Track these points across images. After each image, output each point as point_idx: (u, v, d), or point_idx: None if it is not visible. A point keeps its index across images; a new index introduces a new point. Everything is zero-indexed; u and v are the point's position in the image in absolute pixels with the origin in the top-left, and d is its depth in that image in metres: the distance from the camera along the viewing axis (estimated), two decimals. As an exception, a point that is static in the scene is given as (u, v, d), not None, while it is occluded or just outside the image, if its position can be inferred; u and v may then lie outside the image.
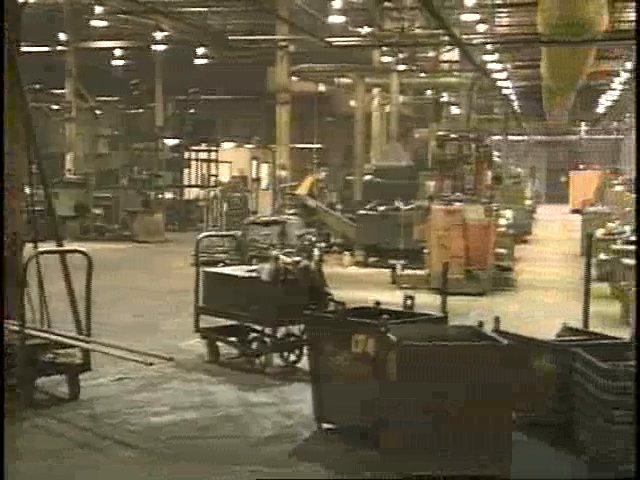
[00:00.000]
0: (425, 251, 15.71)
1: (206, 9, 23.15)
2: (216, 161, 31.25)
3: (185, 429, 6.85)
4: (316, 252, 10.74)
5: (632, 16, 21.50)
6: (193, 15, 22.95)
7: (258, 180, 33.28)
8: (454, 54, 25.83)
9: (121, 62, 30.45)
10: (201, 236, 11.08)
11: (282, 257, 8.99)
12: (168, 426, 6.91)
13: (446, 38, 18.74)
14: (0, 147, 7.34)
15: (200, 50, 27.11)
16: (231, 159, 32.36)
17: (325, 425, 6.84)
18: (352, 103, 27.54)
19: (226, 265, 12.99)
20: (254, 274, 8.98)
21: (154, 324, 11.20)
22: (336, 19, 20.65)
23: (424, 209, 16.37)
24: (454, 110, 34.04)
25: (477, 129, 21.78)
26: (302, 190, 22.83)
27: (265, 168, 34.39)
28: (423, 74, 27.92)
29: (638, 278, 5.06)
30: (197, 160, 30.99)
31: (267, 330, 8.87)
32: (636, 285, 5.17)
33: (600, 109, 40.96)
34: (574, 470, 6.10)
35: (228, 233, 16.47)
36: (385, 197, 19.03)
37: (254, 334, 9.11)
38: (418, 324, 6.74)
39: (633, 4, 19.94)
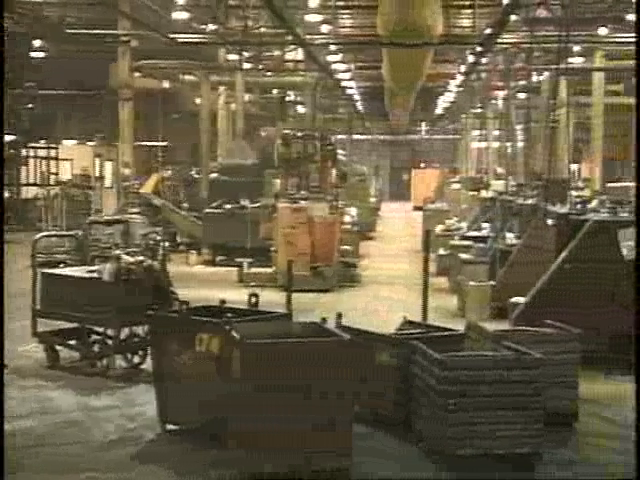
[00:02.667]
0: (272, 249, 15.81)
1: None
2: (56, 159, 30.20)
3: (23, 439, 6.56)
4: (160, 251, 10.56)
5: (465, 22, 22.52)
6: (27, 5, 21.98)
7: (101, 178, 32.37)
8: (299, 54, 26.11)
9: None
10: (39, 236, 10.68)
11: (125, 257, 8.79)
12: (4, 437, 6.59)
13: (290, 38, 18.89)
14: (0, 146, 6.72)
15: (37, 42, 25.99)
16: (73, 157, 31.32)
17: (169, 426, 6.76)
18: (198, 101, 27.31)
19: (67, 266, 12.54)
20: (95, 274, 8.73)
21: (-12, 330, 10.65)
22: (180, 15, 20.40)
23: (270, 207, 16.48)
24: (300, 109, 34.43)
25: (322, 128, 22.15)
26: (147, 188, 22.40)
27: (109, 166, 33.49)
28: (269, 73, 28.05)
29: (638, 278, 5.19)
30: (35, 157, 29.87)
31: (109, 332, 8.66)
32: (636, 285, 5.33)
33: (439, 110, 42.58)
34: (412, 459, 6.32)
35: (68, 233, 15.92)
36: (231, 195, 18.98)
37: (96, 336, 8.87)
38: (263, 322, 6.77)
39: (466, 11, 20.91)
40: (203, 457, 6.12)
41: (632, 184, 16.68)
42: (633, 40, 18.29)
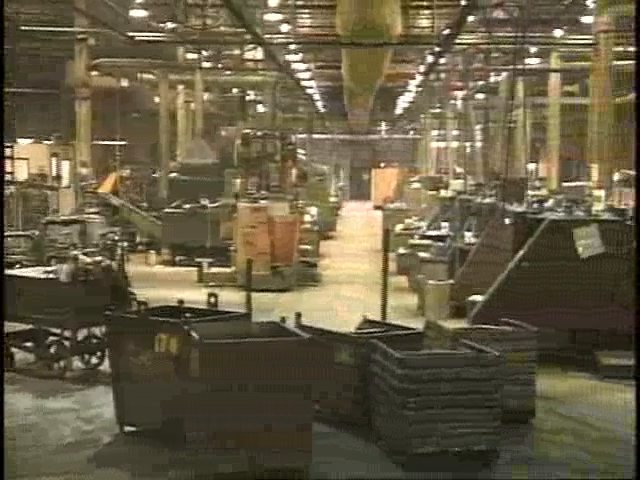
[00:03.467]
0: (232, 249, 15.75)
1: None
2: (11, 158, 29.73)
3: (-24, 443, 6.45)
4: (118, 251, 10.46)
5: (424, 22, 22.65)
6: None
7: (59, 178, 31.94)
8: (259, 53, 26.03)
9: None
10: (-8, 237, 10.47)
11: (82, 257, 8.70)
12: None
13: (249, 37, 18.81)
14: (0, 147, 6.53)
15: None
16: (28, 156, 30.84)
17: (128, 428, 6.69)
18: (157, 100, 27.09)
19: (23, 266, 12.35)
20: (52, 275, 8.62)
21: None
22: (138, 13, 20.21)
23: (230, 207, 16.43)
24: (260, 108, 34.33)
25: (282, 127, 22.12)
26: (105, 188, 22.17)
27: (66, 166, 33.07)
28: (228, 72, 27.92)
29: (638, 278, 5.19)
30: (-11, 156, 29.35)
31: (66, 333, 8.55)
32: (636, 285, 5.34)
33: (398, 110, 42.74)
34: (372, 458, 6.34)
35: (24, 233, 15.68)
36: (191, 195, 18.87)
37: (53, 338, 8.75)
38: (222, 321, 6.75)
39: (425, 11, 21.04)
40: (161, 458, 6.08)
41: (586, 183, 16.94)
42: (588, 42, 18.60)
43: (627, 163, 26.12)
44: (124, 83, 26.79)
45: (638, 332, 5.80)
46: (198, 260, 16.39)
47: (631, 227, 9.68)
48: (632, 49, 20.43)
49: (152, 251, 18.69)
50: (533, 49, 23.03)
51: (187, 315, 6.62)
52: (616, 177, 18.47)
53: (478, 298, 9.87)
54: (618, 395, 8.36)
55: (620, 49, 19.31)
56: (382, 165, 50.05)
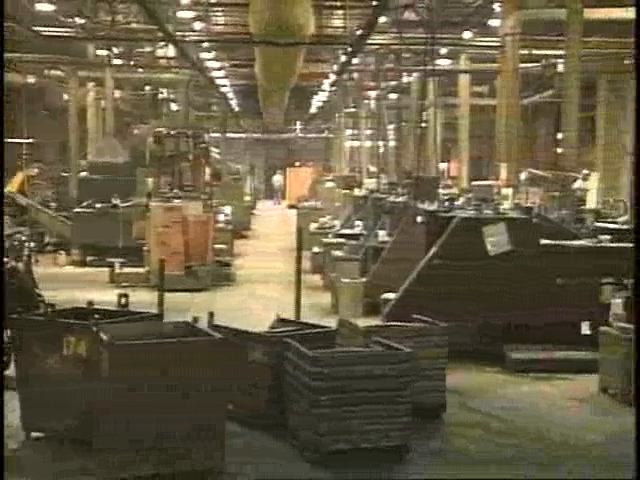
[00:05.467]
0: (145, 249, 15.53)
1: None
2: None
3: None
4: (25, 252, 10.17)
5: (336, 22, 22.80)
6: None
7: (-38, 177, 30.85)
8: (171, 50, 25.71)
9: None
10: None
11: (-15, 259, 8.40)
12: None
13: (161, 34, 18.56)
14: (0, 147, 6.13)
15: None
16: None
17: (34, 434, 6.51)
18: (67, 97, 26.46)
19: None
20: (-46, 278, 8.30)
21: None
22: (44, 7, 19.66)
23: (143, 206, 16.18)
24: (173, 107, 33.91)
25: (195, 126, 21.89)
26: (12, 187, 21.51)
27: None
28: (140, 69, 27.49)
29: (638, 278, 5.19)
30: None
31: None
32: (635, 285, 5.37)
33: (313, 109, 42.89)
34: (285, 456, 6.35)
35: None
36: (103, 194, 18.52)
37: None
38: (134, 322, 6.64)
39: (338, 12, 21.18)
40: (69, 464, 5.94)
41: (495, 182, 17.35)
42: (495, 44, 19.05)
43: (534, 163, 26.90)
44: (31, 80, 26.03)
45: (638, 331, 5.87)
46: (110, 260, 16.09)
47: (537, 225, 9.98)
48: (537, 52, 21.12)
49: (61, 252, 18.26)
50: (443, 50, 23.45)
51: (97, 316, 6.48)
52: (523, 176, 18.99)
53: (391, 296, 10.00)
54: (525, 388, 8.63)
55: (526, 52, 19.89)
56: (297, 164, 50.15)
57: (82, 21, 19.45)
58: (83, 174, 21.38)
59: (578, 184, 16.71)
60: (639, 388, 5.13)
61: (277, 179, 51.43)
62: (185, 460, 5.50)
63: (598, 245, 9.95)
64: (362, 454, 6.12)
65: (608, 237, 10.08)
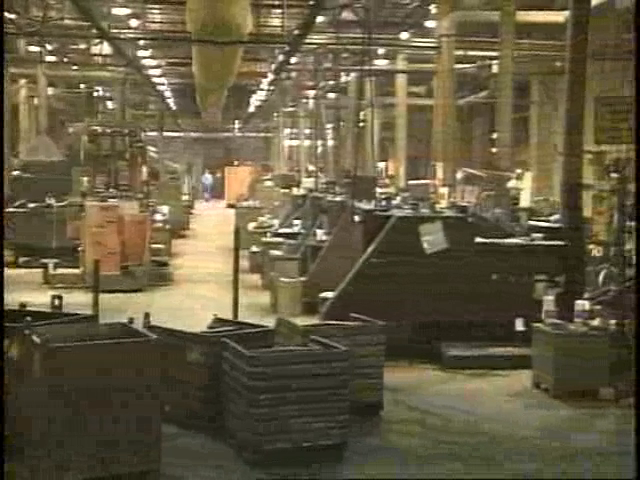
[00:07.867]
0: (80, 249, 15.28)
1: None
2: None
3: None
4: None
5: (275, 22, 22.78)
6: None
7: None
8: (106, 47, 25.34)
9: None
10: None
11: None
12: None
13: (95, 30, 18.26)
14: (0, 143, 5.86)
15: None
16: None
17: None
18: (-2, 94, 25.84)
19: None
20: None
21: None
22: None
23: (77, 206, 15.93)
24: (110, 105, 33.45)
25: (132, 125, 21.63)
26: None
27: None
28: (75, 67, 27.03)
29: (638, 278, 5.18)
30: None
31: None
32: (636, 284, 5.34)
33: (251, 108, 42.77)
34: (223, 457, 6.32)
35: None
36: (36, 194, 18.16)
37: None
38: (67, 324, 6.52)
39: (276, 11, 21.15)
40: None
41: (432, 181, 17.58)
42: (431, 45, 19.30)
43: (470, 162, 27.28)
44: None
45: (638, 330, 5.88)
46: (43, 261, 15.78)
47: (472, 223, 10.13)
48: (472, 53, 21.45)
49: (-7, 253, 17.84)
50: (381, 51, 23.64)
51: (29, 319, 6.35)
52: (459, 175, 19.27)
53: (329, 295, 10.04)
54: (460, 384, 8.75)
55: (461, 53, 20.19)
56: (236, 163, 49.95)
57: (12, 16, 18.98)
58: (16, 173, 20.93)
59: (512, 183, 17.03)
60: (639, 388, 5.17)
61: (207, 177, 51.89)
62: (120, 463, 5.42)
63: (531, 243, 10.15)
64: (301, 453, 6.13)
65: (541, 235, 10.29)
